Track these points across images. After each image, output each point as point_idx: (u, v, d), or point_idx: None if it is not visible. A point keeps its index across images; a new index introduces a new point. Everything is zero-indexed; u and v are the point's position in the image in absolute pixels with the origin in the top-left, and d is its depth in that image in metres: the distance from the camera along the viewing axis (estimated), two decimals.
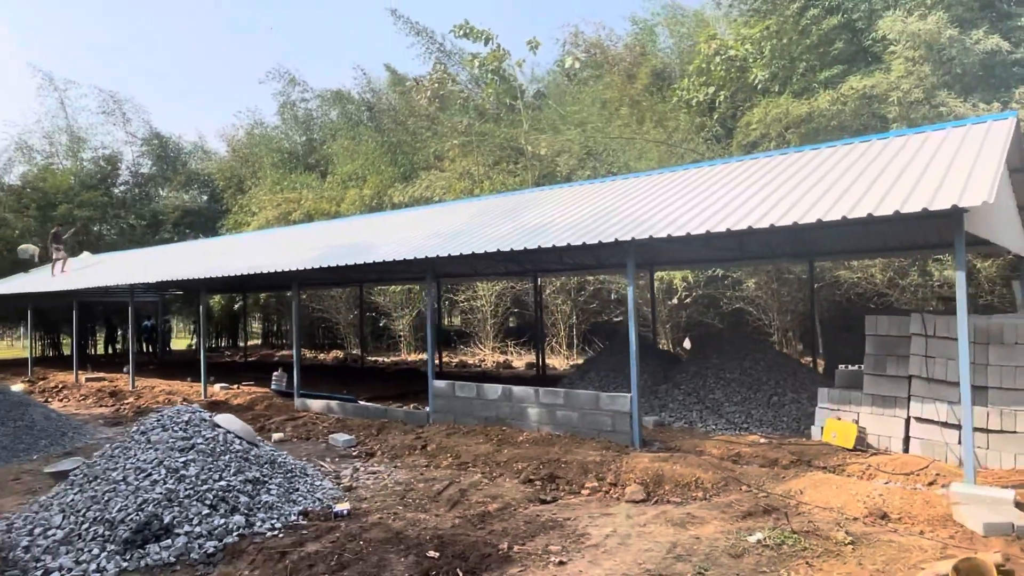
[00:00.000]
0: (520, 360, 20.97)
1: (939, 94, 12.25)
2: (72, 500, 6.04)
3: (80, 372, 18.79)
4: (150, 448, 6.35)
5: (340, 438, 9.62)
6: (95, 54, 78.13)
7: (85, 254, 25.73)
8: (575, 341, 21.07)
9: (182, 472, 6.08)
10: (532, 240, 8.85)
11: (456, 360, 21.94)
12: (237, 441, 6.84)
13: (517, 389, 9.46)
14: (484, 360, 21.67)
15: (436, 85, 20.19)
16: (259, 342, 36.18)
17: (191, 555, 5.43)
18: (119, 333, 32.70)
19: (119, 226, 30.80)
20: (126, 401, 14.48)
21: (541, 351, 17.33)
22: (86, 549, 5.45)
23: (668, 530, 5.65)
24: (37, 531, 5.84)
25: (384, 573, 4.95)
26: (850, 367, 8.94)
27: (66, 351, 31.37)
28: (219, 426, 6.94)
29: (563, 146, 17.38)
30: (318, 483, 7.15)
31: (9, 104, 57.71)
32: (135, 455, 6.32)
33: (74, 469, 7.92)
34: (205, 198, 34.61)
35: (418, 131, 26.74)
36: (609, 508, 6.42)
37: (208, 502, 5.92)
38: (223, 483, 6.14)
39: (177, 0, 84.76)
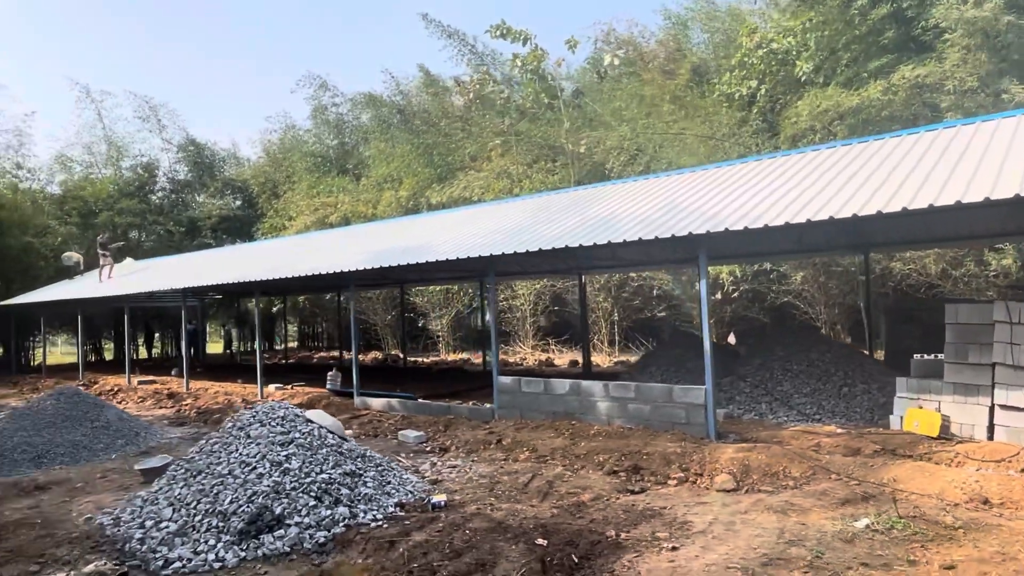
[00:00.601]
0: (562, 358, 21.02)
1: (1000, 81, 12.12)
2: (179, 494, 6.21)
3: (131, 375, 19.13)
4: (251, 443, 6.50)
5: (410, 434, 9.75)
6: (126, 66, 79.36)
7: (128, 260, 26.24)
8: (616, 338, 21.08)
9: (286, 465, 6.23)
10: (601, 235, 8.91)
11: (499, 359, 22.02)
12: (329, 436, 6.98)
13: (586, 383, 9.53)
14: (525, 359, 21.75)
15: (478, 86, 20.30)
16: (295, 344, 36.60)
17: (304, 545, 5.57)
18: (156, 337, 33.24)
19: (157, 232, 31.33)
20: (184, 402, 14.75)
21: (587, 348, 17.39)
22: (202, 540, 5.60)
23: (770, 517, 5.69)
24: (148, 524, 6.01)
25: (499, 560, 5.04)
26: (925, 356, 8.89)
27: (107, 356, 32.00)
28: (311, 421, 7.09)
29: (615, 143, 17.37)
30: (405, 476, 7.27)
31: (52, 118, 58.97)
32: (237, 450, 6.48)
33: (165, 465, 8.18)
34: (238, 203, 35.09)
35: (451, 132, 26.94)
36: (701, 497, 6.47)
37: (313, 494, 6.06)
38: (324, 476, 6.28)
39: (203, 7, 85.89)
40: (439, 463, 8.42)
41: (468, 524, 5.86)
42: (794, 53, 17.45)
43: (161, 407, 14.74)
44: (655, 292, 19.74)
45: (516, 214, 12.76)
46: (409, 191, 24.79)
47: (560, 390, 9.73)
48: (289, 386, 15.49)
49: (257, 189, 32.09)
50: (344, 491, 6.25)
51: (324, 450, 6.64)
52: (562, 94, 19.06)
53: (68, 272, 26.41)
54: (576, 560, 4.99)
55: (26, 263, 26.25)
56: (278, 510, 5.76)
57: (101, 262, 22.33)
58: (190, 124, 69.96)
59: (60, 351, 37.97)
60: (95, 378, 20.49)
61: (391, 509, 6.34)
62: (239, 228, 33.45)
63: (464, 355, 24.44)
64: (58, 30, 75.23)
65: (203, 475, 6.33)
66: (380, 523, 6.01)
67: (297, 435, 6.66)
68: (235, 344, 33.77)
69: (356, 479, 6.54)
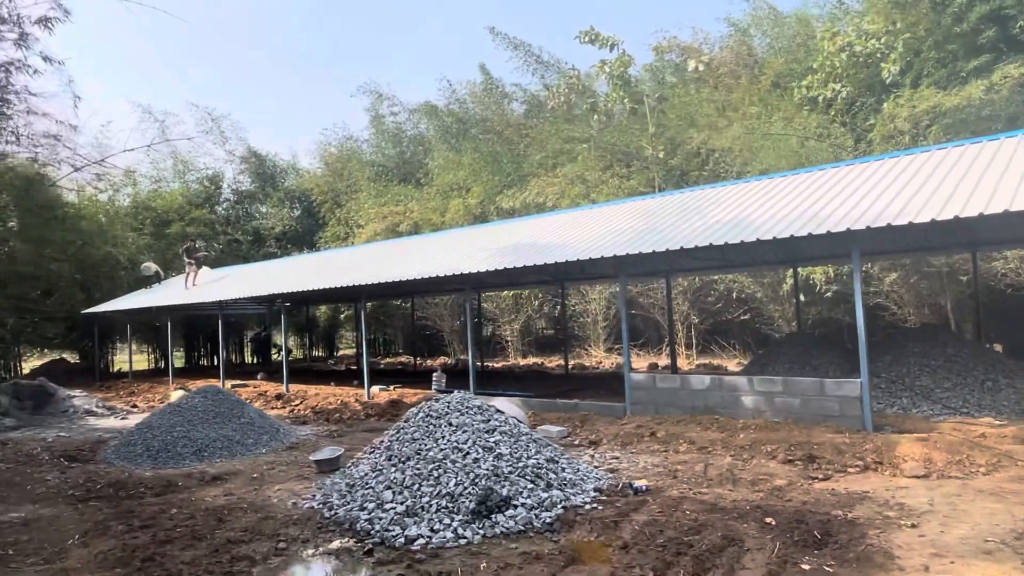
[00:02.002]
0: (640, 361, 21.17)
1: None
2: (395, 478, 6.52)
3: (227, 380, 19.67)
4: (457, 430, 6.81)
5: (553, 429, 10.00)
6: (183, 80, 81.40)
7: (204, 269, 26.95)
8: (694, 341, 21.19)
9: (498, 451, 6.53)
10: (748, 233, 9.11)
11: (573, 363, 22.25)
12: (520, 424, 7.28)
13: (728, 378, 9.75)
14: (600, 362, 21.95)
15: (567, 91, 20.67)
16: (352, 351, 37.16)
17: (534, 524, 5.84)
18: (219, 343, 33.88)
19: (225, 242, 32.13)
20: (293, 404, 15.18)
21: (673, 351, 17.55)
22: (436, 519, 5.90)
23: (988, 500, 5.85)
24: (370, 506, 6.33)
25: (742, 536, 5.27)
26: None
27: (176, 363, 32.79)
28: (501, 411, 7.39)
29: (726, 143, 17.46)
30: (586, 464, 7.53)
31: (117, 139, 61.04)
32: (444, 436, 6.79)
33: (336, 458, 8.54)
34: (297, 213, 35.82)
35: (515, 139, 27.36)
36: (896, 483, 6.63)
37: (528, 478, 6.35)
38: (534, 460, 6.57)
39: (261, 20, 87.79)
40: (597, 454, 8.67)
41: (682, 506, 6.10)
42: (878, 56, 17.54)
43: (272, 408, 15.18)
44: (735, 295, 19.87)
45: (626, 217, 13.00)
46: (478, 198, 25.20)
47: (699, 386, 9.94)
48: (390, 388, 15.87)
49: (319, 199, 32.73)
50: (551, 475, 6.53)
51: (524, 438, 6.93)
52: (647, 99, 19.30)
53: (146, 281, 27.21)
54: (818, 536, 5.20)
55: (107, 272, 27.08)
56: (504, 492, 6.05)
57: (187, 270, 23.02)
58: (250, 136, 71.87)
59: (131, 358, 38.92)
60: (185, 383, 21.08)
61: (593, 493, 6.60)
62: (301, 237, 34.18)
63: (535, 359, 24.70)
64: (115, 47, 77.26)
65: (414, 460, 6.64)
66: (593, 505, 6.27)
67: (496, 423, 6.97)
68: (295, 351, 34.40)
69: (555, 464, 6.82)
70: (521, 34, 55.46)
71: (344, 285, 14.37)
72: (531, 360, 24.58)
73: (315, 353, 34.97)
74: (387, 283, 13.50)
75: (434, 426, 7.03)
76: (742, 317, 19.65)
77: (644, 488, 6.63)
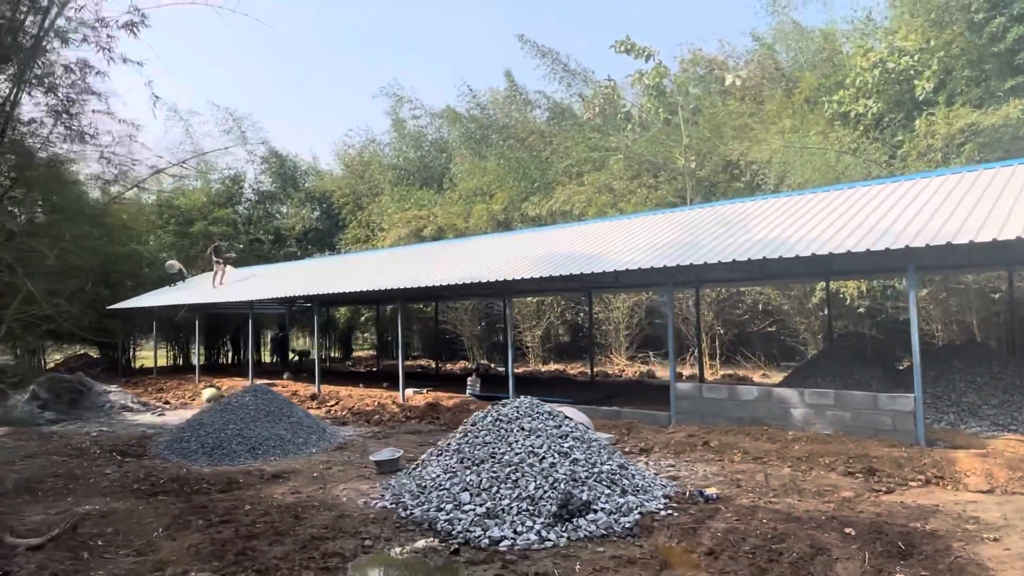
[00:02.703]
0: (665, 370, 21.26)
1: None
2: (471, 480, 6.66)
3: (256, 378, 19.82)
4: (531, 435, 6.95)
5: (601, 436, 10.09)
6: (206, 79, 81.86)
7: (229, 268, 27.13)
8: (717, 351, 21.31)
9: (574, 456, 6.67)
10: (803, 248, 9.25)
11: (597, 370, 22.37)
12: (588, 431, 7.42)
13: (777, 390, 9.89)
14: (623, 370, 22.06)
15: (603, 101, 20.86)
16: (372, 353, 37.30)
17: (615, 528, 5.98)
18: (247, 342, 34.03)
19: (247, 241, 32.32)
20: (329, 404, 15.32)
21: (701, 361, 17.68)
22: (517, 521, 6.04)
23: None
24: (447, 507, 6.47)
25: (827, 546, 5.40)
26: None
27: (193, 360, 32.96)
28: (569, 417, 7.53)
29: (764, 156, 17.58)
30: (648, 472, 7.66)
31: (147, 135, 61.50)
32: (518, 441, 6.93)
33: (396, 459, 8.68)
34: (316, 214, 35.98)
35: (538, 147, 27.55)
36: (961, 496, 6.75)
37: (604, 483, 6.49)
38: (608, 466, 6.71)
39: (283, 19, 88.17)
40: (651, 462, 8.79)
41: (756, 515, 6.23)
42: (911, 73, 17.70)
43: (308, 408, 15.30)
44: (760, 307, 20.01)
45: (665, 229, 13.13)
46: (502, 204, 25.37)
47: (747, 396, 10.07)
48: (423, 391, 16.00)
49: (341, 201, 32.91)
50: (624, 481, 6.67)
51: (595, 444, 7.07)
52: (681, 111, 19.48)
53: (170, 279, 27.41)
54: (902, 547, 5.33)
55: (131, 269, 27.29)
56: (584, 496, 6.18)
57: (215, 269, 23.22)
58: (271, 136, 72.09)
59: (156, 355, 39.10)
60: (211, 381, 21.24)
61: (663, 500, 6.73)
62: (321, 239, 34.37)
63: (556, 366, 24.81)
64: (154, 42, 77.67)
65: (489, 464, 6.78)
66: (668, 512, 6.40)
67: (568, 428, 7.11)
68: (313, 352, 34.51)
69: (625, 470, 6.95)
70: (545, 42, 55.68)
71: (382, 288, 14.52)
72: (552, 366, 24.69)
73: (331, 354, 35.12)
74: (424, 287, 13.65)
75: (506, 430, 7.16)
76: (768, 329, 19.76)
77: (715, 496, 6.76)
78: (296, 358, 29.87)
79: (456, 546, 5.84)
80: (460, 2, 76.00)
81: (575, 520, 6.01)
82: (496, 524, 6.06)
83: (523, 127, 29.30)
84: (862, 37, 20.97)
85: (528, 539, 5.79)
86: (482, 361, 26.91)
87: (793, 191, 14.28)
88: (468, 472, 6.81)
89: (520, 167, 25.86)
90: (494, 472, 6.62)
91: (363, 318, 31.03)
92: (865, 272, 14.37)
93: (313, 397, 15.97)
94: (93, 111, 8.17)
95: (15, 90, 7.03)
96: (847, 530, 5.71)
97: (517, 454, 6.72)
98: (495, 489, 6.44)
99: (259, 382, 19.58)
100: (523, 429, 7.07)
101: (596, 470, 6.59)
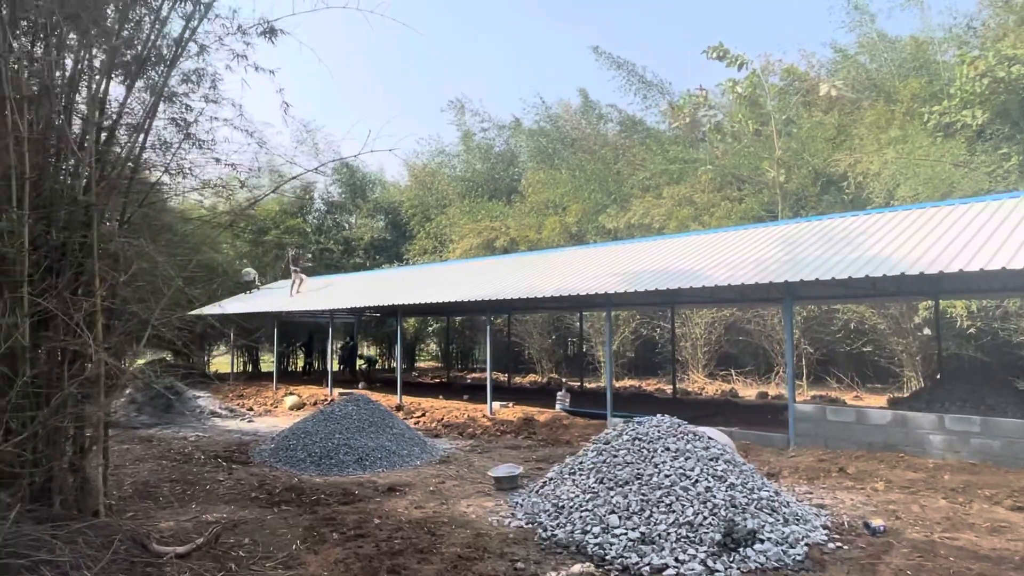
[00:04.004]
0: (748, 389, 20.59)
1: None
2: (618, 503, 6.33)
3: (334, 387, 19.88)
4: (679, 456, 6.59)
5: None
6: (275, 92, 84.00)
7: (304, 276, 27.49)
8: (804, 371, 20.51)
9: (729, 480, 6.28)
10: (932, 266, 8.70)
11: (669, 387, 21.79)
12: (735, 454, 7.01)
13: (913, 415, 9.28)
14: (704, 388, 21.42)
15: (693, 110, 20.47)
16: (435, 363, 37.32)
17: (785, 561, 5.56)
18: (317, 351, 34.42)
19: (317, 251, 32.75)
20: (416, 416, 15.19)
21: (792, 382, 16.93)
22: (677, 548, 5.67)
23: None
24: (595, 530, 6.14)
25: None
26: None
27: (263, 367, 33.47)
28: (712, 438, 7.14)
29: (875, 167, 16.91)
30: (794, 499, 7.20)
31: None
32: (664, 462, 6.57)
33: (515, 476, 8.41)
34: (381, 224, 36.25)
35: (608, 159, 27.23)
36: None
37: (765, 510, 6.07)
38: (765, 492, 6.30)
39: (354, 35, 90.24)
40: (784, 489, 8.30)
41: (937, 551, 5.74)
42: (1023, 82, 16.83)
43: None
44: (852, 326, 19.19)
45: (761, 245, 12.63)
46: (575, 216, 25.07)
47: (879, 420, 9.50)
48: (509, 404, 15.73)
49: (408, 212, 33.10)
50: (784, 509, 6.24)
51: (747, 467, 6.67)
52: (773, 122, 18.92)
53: (245, 287, 27.89)
54: None
55: (206, 277, 27.86)
56: (750, 524, 5.78)
57: (293, 278, 23.50)
58: (342, 147, 73.40)
59: (234, 362, 39.90)
60: (289, 388, 21.41)
61: (823, 531, 6.27)
62: (388, 249, 34.61)
63: (629, 382, 24.28)
64: None
65: (635, 485, 6.43)
66: (834, 544, 5.95)
67: (717, 451, 6.72)
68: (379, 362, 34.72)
69: (779, 497, 6.52)
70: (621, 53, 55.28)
71: (470, 299, 14.32)
72: (626, 382, 24.16)
73: (390, 364, 35.24)
74: (522, 298, 13.41)
75: (648, 451, 6.81)
76: (863, 349, 18.91)
77: (882, 528, 6.27)
78: (365, 366, 29.99)
79: (615, 573, 5.52)
80: (531, 17, 76.33)
81: (741, 550, 5.61)
82: (653, 551, 5.71)
83: (595, 139, 29.04)
84: (960, 45, 20.10)
85: (693, 568, 5.42)
86: (551, 375, 26.55)
87: (903, 205, 13.62)
88: (612, 493, 6.47)
89: (595, 179, 25.54)
90: (643, 495, 6.27)
91: (431, 329, 31.02)
92: (982, 291, 13.59)
93: (398, 408, 15.85)
94: (223, 119, 8.16)
95: (153, 104, 7.00)
96: None
97: (667, 476, 6.36)
98: (647, 513, 6.08)
99: (338, 391, 19.66)
100: (668, 449, 6.71)
101: (755, 496, 6.18)
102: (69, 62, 6.20)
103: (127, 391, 15.48)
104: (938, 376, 15.21)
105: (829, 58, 24.20)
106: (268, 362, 33.53)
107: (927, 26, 23.10)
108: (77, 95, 6.46)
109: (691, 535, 5.77)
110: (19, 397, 5.12)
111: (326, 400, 18.00)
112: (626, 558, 5.67)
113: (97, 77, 6.09)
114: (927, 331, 17.95)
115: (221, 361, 33.71)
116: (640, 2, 65.96)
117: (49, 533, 4.98)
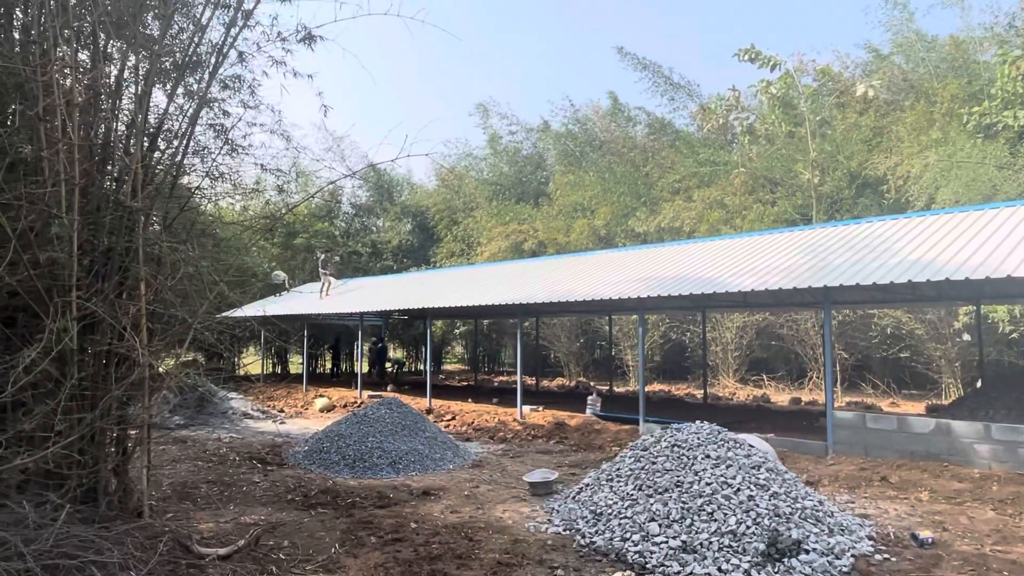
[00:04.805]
0: (781, 395, 20.31)
1: None
2: (658, 510, 6.24)
3: (363, 389, 19.98)
4: (720, 464, 6.49)
5: None
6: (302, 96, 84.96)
7: (332, 279, 27.72)
8: (838, 377, 20.16)
9: (773, 489, 6.17)
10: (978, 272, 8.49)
11: (699, 392, 21.57)
12: (777, 462, 6.89)
13: (957, 423, 9.06)
14: (735, 393, 21.17)
15: (726, 111, 20.27)
16: (461, 366, 37.39)
17: (831, 572, 5.44)
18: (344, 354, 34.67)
19: (345, 254, 33.01)
20: (446, 419, 15.19)
21: (829, 388, 16.65)
22: (721, 558, 5.58)
23: None
24: (635, 538, 6.06)
25: None
26: None
27: (292, 369, 33.79)
28: (753, 446, 7.03)
29: (917, 170, 16.59)
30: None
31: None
32: (704, 469, 6.48)
33: (551, 481, 8.36)
34: (409, 227, 36.40)
35: (637, 162, 27.06)
36: None
37: (810, 520, 5.95)
38: (809, 501, 6.17)
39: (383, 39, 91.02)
40: (826, 498, 8.14)
41: (990, 565, 5.58)
42: None
43: None
44: (888, 331, 18.83)
45: (792, 249, 12.43)
46: (604, 219, 24.96)
47: (922, 429, 9.28)
48: (539, 408, 15.68)
49: (437, 215, 33.21)
50: (827, 519, 6.12)
51: (789, 476, 6.55)
52: (807, 123, 18.64)
53: (275, 289, 28.19)
54: None
55: (241, 279, 28.19)
56: (795, 534, 5.67)
57: (322, 280, 23.71)
58: (369, 150, 74.04)
59: (263, 364, 40.36)
60: (318, 390, 21.57)
61: (868, 542, 6.13)
62: (416, 252, 34.76)
63: (659, 386, 24.09)
64: None
65: (675, 493, 6.35)
66: (880, 556, 5.81)
67: (759, 459, 6.61)
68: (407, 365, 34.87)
69: (823, 506, 6.39)
70: (648, 54, 55.01)
71: (507, 302, 14.29)
72: (655, 386, 23.97)
73: (417, 367, 35.38)
74: (553, 302, 13.36)
75: (687, 458, 6.72)
76: (900, 354, 18.54)
77: (930, 540, 6.11)
78: (393, 368, 30.11)
79: None
80: (558, 18, 76.30)
81: (786, 560, 5.51)
82: (695, 560, 5.63)
83: (623, 142, 28.89)
84: (1001, 44, 19.63)
85: None
86: (579, 379, 26.44)
87: (944, 208, 13.34)
88: (652, 501, 6.39)
89: (624, 182, 25.40)
90: (684, 503, 6.18)
91: (457, 331, 31.07)
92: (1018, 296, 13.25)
93: (428, 412, 15.87)
94: (260, 124, 8.22)
95: (196, 110, 7.06)
96: None
97: (708, 484, 6.27)
98: (689, 522, 6.00)
99: (367, 393, 19.77)
100: (708, 457, 6.61)
101: (799, 505, 6.06)
102: (114, 69, 6.29)
103: (163, 392, 15.73)
104: (979, 383, 14.87)
105: (863, 59, 23.85)
106: (296, 364, 33.89)
107: (967, 25, 22.61)
108: (120, 101, 6.56)
109: (734, 544, 5.68)
110: (67, 399, 5.19)
111: (355, 403, 18.12)
112: (668, 567, 5.60)
113: (142, 83, 6.16)
114: (966, 336, 17.55)
115: (251, 363, 34.18)
116: (670, 4, 65.56)
117: (97, 534, 5.06)
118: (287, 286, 27.95)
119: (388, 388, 22.19)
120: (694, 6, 64.37)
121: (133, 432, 6.34)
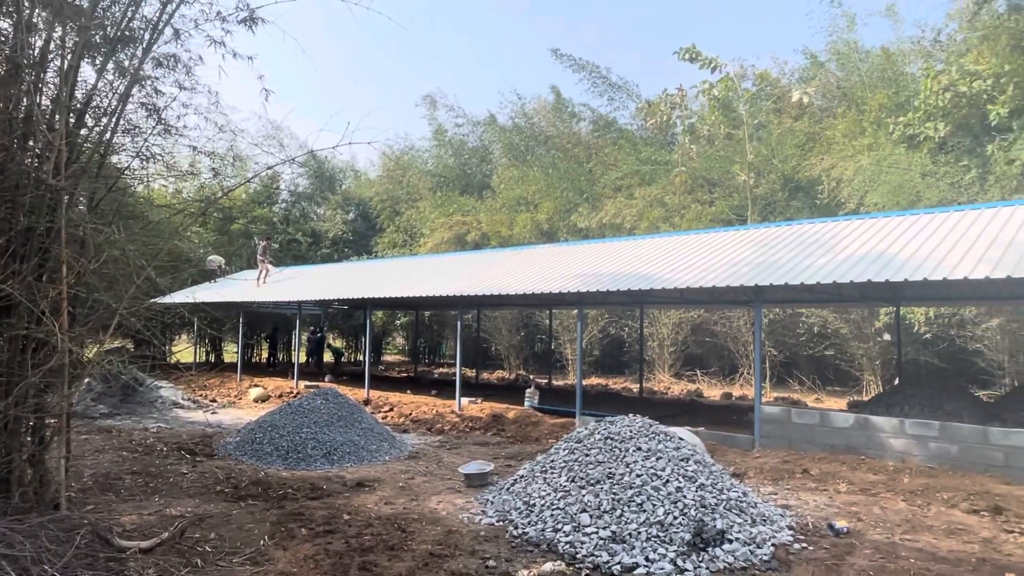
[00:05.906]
0: (713, 390, 20.89)
1: None
2: (589, 501, 6.36)
3: (300, 380, 19.62)
4: (650, 456, 6.65)
5: None
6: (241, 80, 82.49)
7: (270, 267, 27.06)
8: (768, 373, 20.87)
9: (699, 480, 6.36)
10: (915, 273, 8.93)
11: (635, 387, 22.02)
12: (706, 455, 7.10)
13: (875, 419, 9.51)
14: (669, 387, 21.68)
15: (670, 109, 20.57)
16: (401, 357, 37.11)
17: (752, 560, 5.65)
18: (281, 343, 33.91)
19: (284, 241, 32.28)
20: (384, 411, 15.07)
21: (759, 382, 17.23)
22: (648, 548, 5.72)
23: None
24: (566, 528, 6.17)
25: None
26: None
27: (226, 358, 32.87)
28: (682, 438, 7.22)
29: (849, 175, 17.18)
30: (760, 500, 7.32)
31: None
32: (637, 461, 6.63)
33: (486, 473, 8.41)
34: (351, 216, 35.82)
35: (581, 158, 27.33)
36: None
37: (734, 511, 6.17)
38: (734, 492, 6.39)
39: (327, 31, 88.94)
40: (751, 490, 8.44)
41: (898, 553, 5.89)
42: (984, 97, 17.31)
43: None
44: (815, 330, 19.59)
45: (731, 248, 12.81)
46: (547, 214, 25.13)
47: (842, 423, 9.71)
48: (478, 400, 15.70)
49: (379, 205, 32.81)
50: (751, 510, 6.35)
51: (715, 468, 6.76)
52: (745, 126, 19.17)
53: (210, 275, 27.34)
54: None
55: (173, 265, 27.24)
56: (719, 524, 5.87)
57: (259, 267, 23.13)
58: (309, 137, 72.17)
59: (196, 352, 39.03)
60: (253, 380, 21.07)
61: (788, 531, 6.39)
62: (356, 241, 34.26)
63: (596, 380, 24.44)
64: None
65: (607, 484, 6.48)
66: (799, 545, 6.07)
67: (688, 451, 6.80)
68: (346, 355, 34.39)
69: (747, 497, 6.63)
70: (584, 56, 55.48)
71: (448, 294, 14.22)
72: (593, 380, 24.32)
73: (357, 357, 34.96)
74: (494, 295, 13.39)
75: (620, 450, 6.87)
76: (826, 352, 19.32)
77: (845, 529, 6.41)
78: (332, 359, 29.67)
79: (586, 572, 5.55)
80: (503, 17, 76.19)
81: (710, 550, 5.69)
82: (624, 550, 5.76)
83: (568, 137, 29.12)
84: (927, 58, 20.59)
85: (663, 568, 5.47)
86: (519, 372, 26.60)
87: (873, 212, 13.94)
88: (584, 492, 6.50)
89: (567, 178, 25.62)
90: (615, 494, 6.32)
91: (398, 322, 30.82)
92: (941, 299, 14.00)
93: (366, 403, 15.72)
94: (195, 107, 7.96)
95: (127, 87, 6.79)
96: (1009, 574, 5.36)
97: (639, 476, 6.42)
98: (618, 512, 6.13)
99: (304, 383, 19.41)
100: (640, 449, 6.77)
101: (724, 496, 6.27)
102: (39, 40, 5.99)
103: (86, 380, 15.11)
104: (897, 381, 15.65)
105: (801, 64, 24.69)
106: (231, 353, 33.01)
107: (898, 37, 23.66)
108: (45, 75, 6.25)
109: (661, 534, 5.83)
110: None
111: (292, 393, 17.80)
112: (597, 556, 5.71)
113: (69, 57, 5.89)
114: (887, 336, 18.40)
115: (183, 351, 33.09)
116: (619, 4, 66.27)
117: (8, 527, 4.84)
118: (221, 272, 27.15)
119: (326, 378, 21.84)
120: (645, 6, 65.28)
121: (51, 421, 6.07)
